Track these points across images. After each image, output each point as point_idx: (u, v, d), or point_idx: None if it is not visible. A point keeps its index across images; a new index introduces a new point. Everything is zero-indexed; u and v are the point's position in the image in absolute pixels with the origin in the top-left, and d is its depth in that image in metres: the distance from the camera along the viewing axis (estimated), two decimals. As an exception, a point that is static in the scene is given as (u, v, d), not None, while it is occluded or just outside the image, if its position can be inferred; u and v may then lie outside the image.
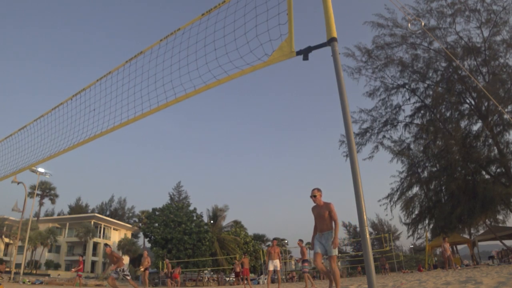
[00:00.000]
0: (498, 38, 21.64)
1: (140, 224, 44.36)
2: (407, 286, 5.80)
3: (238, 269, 16.19)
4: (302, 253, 11.11)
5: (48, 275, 36.55)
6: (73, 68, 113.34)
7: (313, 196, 5.36)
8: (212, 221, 42.44)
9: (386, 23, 23.83)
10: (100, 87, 4.79)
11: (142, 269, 15.34)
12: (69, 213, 62.96)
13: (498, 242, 26.11)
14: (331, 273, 5.36)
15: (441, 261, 33.03)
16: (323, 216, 5.25)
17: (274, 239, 11.93)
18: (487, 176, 22.78)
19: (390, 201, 25.61)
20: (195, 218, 38.34)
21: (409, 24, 11.25)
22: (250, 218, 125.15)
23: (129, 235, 58.04)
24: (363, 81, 33.65)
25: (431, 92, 24.19)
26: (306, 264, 10.89)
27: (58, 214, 63.70)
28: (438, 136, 23.14)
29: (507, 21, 21.12)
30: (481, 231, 27.78)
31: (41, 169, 29.69)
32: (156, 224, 36.71)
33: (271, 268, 10.76)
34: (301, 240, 11.11)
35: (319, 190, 5.43)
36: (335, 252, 5.11)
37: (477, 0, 21.46)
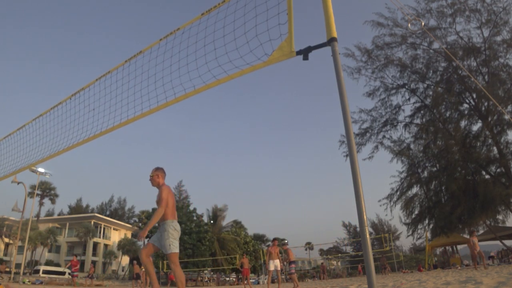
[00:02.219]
0: (498, 38, 21.66)
1: (140, 224, 44.42)
2: (407, 286, 5.79)
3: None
4: (288, 254, 11.54)
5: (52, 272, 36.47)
6: (73, 68, 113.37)
7: (150, 177, 4.23)
8: (212, 221, 42.44)
9: (386, 22, 23.84)
10: (99, 86, 4.79)
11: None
12: (69, 213, 63.00)
13: (498, 242, 26.12)
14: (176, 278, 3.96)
15: (441, 261, 33.07)
16: (157, 202, 4.19)
17: (275, 239, 11.95)
18: (487, 176, 22.77)
19: (390, 201, 25.62)
20: (195, 218, 38.34)
21: (409, 24, 11.25)
22: (250, 218, 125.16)
23: (129, 235, 58.05)
24: (363, 81, 33.65)
25: (431, 92, 24.19)
26: (293, 265, 11.30)
27: (58, 214, 63.72)
28: (438, 136, 23.13)
29: (507, 21, 21.12)
30: (481, 231, 27.79)
31: (41, 169, 29.70)
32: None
33: (271, 268, 10.81)
34: (286, 243, 11.91)
35: (157, 169, 4.27)
36: (171, 249, 3.90)
37: (477, 0, 21.48)
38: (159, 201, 4.09)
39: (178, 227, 4.11)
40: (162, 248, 4.02)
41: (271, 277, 11.22)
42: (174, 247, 3.95)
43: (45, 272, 33.57)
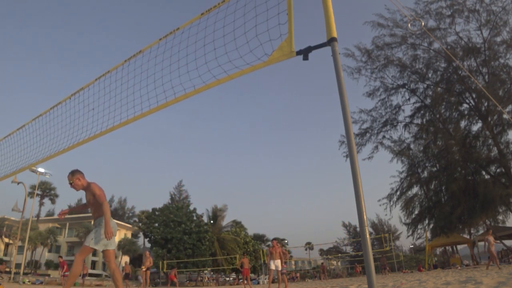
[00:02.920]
0: (498, 38, 21.67)
1: (140, 224, 44.60)
2: (407, 286, 5.79)
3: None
4: (283, 254, 11.43)
5: (48, 275, 36.53)
6: (73, 68, 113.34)
7: (70, 184, 4.13)
8: (212, 221, 42.44)
9: (386, 23, 23.87)
10: (99, 86, 4.78)
11: (144, 269, 15.42)
12: (69, 213, 62.93)
13: (498, 242, 26.10)
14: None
15: (441, 261, 33.08)
16: (90, 201, 4.14)
17: (274, 239, 11.98)
18: (487, 176, 22.79)
19: (390, 201, 25.65)
20: (195, 218, 38.35)
21: (409, 24, 11.25)
22: (250, 218, 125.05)
23: (129, 235, 58.03)
24: (363, 81, 33.69)
25: (430, 92, 24.21)
26: (284, 265, 11.30)
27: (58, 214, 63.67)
28: (438, 136, 23.15)
29: (506, 22, 21.13)
30: (481, 231, 27.79)
31: (41, 169, 29.68)
32: (156, 224, 36.71)
33: (272, 267, 10.89)
34: (279, 242, 11.74)
35: (73, 173, 4.13)
36: (90, 243, 3.88)
37: (476, 1, 21.48)
38: (97, 197, 4.04)
39: (113, 223, 4.06)
40: (85, 240, 3.95)
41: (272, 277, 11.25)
42: (94, 243, 3.90)
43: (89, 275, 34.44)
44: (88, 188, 4.13)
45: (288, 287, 11.11)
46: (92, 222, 4.21)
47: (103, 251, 4.06)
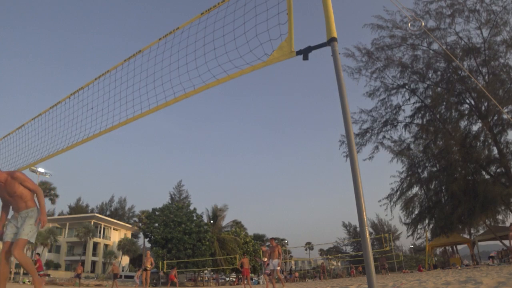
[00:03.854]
0: (498, 38, 21.64)
1: (140, 224, 44.52)
2: (407, 286, 5.78)
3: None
4: (278, 254, 11.14)
5: (48, 275, 36.52)
6: (73, 68, 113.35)
7: None
8: (212, 221, 42.44)
9: (386, 24, 23.82)
10: (98, 86, 4.77)
11: (148, 268, 15.47)
12: (69, 213, 63.00)
13: (498, 242, 26.09)
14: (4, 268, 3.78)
15: (441, 261, 33.08)
16: (14, 191, 3.82)
17: (272, 238, 12.01)
18: (487, 176, 22.76)
19: (390, 201, 25.61)
20: (195, 218, 38.35)
21: (409, 24, 11.24)
22: (250, 218, 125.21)
23: (129, 235, 58.06)
24: (363, 81, 33.71)
25: (431, 92, 24.18)
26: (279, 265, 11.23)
27: (58, 214, 63.73)
28: (438, 136, 23.13)
29: (507, 21, 21.10)
30: (481, 231, 27.78)
31: (41, 169, 29.71)
32: (156, 224, 36.71)
33: (271, 267, 10.97)
34: (280, 242, 11.57)
35: None
36: (29, 236, 3.74)
37: (476, 1, 21.46)
38: (28, 184, 3.89)
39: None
40: (19, 234, 3.73)
41: (273, 276, 11.29)
42: (32, 235, 3.79)
43: (126, 276, 34.87)
44: (12, 178, 3.83)
45: (286, 287, 11.11)
46: (16, 213, 3.97)
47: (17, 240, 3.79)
